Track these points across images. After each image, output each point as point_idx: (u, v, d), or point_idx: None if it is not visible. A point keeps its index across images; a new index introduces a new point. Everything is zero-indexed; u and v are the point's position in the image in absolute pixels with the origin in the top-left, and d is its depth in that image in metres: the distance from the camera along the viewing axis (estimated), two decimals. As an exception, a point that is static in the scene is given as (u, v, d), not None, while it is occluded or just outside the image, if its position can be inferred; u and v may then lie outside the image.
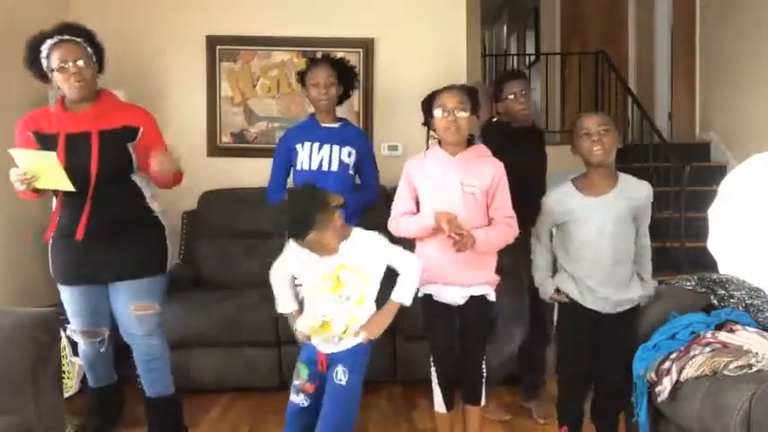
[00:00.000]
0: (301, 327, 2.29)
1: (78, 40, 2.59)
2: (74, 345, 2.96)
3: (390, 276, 2.35)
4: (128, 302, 2.68)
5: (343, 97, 3.16)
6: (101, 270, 2.65)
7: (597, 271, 2.48)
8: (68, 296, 2.76)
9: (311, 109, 3.16)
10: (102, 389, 2.94)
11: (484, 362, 2.57)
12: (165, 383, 2.83)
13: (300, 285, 2.38)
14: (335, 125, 3.09)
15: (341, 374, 2.22)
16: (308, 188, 2.28)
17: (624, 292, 2.50)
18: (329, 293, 2.22)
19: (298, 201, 2.21)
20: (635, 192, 2.50)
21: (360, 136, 3.23)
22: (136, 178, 2.70)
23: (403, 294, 2.31)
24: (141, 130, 2.68)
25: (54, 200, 2.72)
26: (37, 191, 2.56)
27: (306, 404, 2.26)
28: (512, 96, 3.12)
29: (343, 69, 3.12)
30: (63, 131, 2.59)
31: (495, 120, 3.26)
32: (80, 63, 2.55)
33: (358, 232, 2.27)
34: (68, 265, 2.68)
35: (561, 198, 2.56)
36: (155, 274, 2.73)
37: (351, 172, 3.07)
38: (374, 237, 2.28)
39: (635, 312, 2.53)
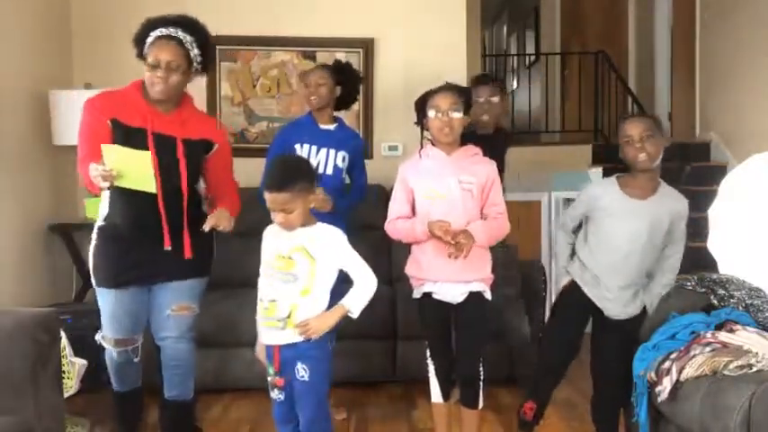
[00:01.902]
0: (258, 346, 2.36)
1: (186, 39, 2.51)
2: (74, 345, 2.94)
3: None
4: (171, 302, 2.61)
5: (347, 102, 3.23)
6: (151, 272, 2.57)
7: (616, 271, 2.52)
8: (110, 300, 2.61)
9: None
10: (127, 393, 2.82)
11: (481, 364, 2.57)
12: (186, 389, 2.75)
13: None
14: (332, 127, 3.15)
15: (302, 371, 2.22)
16: (303, 159, 2.40)
17: (629, 304, 2.56)
18: (280, 272, 2.23)
19: (288, 161, 2.39)
20: (674, 203, 2.54)
21: (354, 138, 3.30)
22: (197, 186, 2.67)
23: (352, 302, 2.24)
24: (216, 146, 2.66)
25: (106, 200, 2.60)
26: (108, 188, 2.47)
27: (282, 398, 2.28)
28: (479, 100, 3.12)
29: (344, 73, 3.18)
30: (151, 128, 2.48)
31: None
32: (173, 65, 2.46)
33: (322, 225, 2.28)
34: (119, 266, 2.56)
35: (603, 191, 2.58)
36: (201, 275, 2.70)
37: (343, 175, 3.15)
38: (337, 234, 2.27)
39: (636, 324, 2.56)
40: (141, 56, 2.53)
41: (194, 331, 2.72)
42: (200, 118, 2.71)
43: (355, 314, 2.25)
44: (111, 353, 2.71)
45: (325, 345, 2.28)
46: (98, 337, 2.75)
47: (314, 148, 3.06)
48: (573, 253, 2.69)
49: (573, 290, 2.64)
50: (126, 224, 2.54)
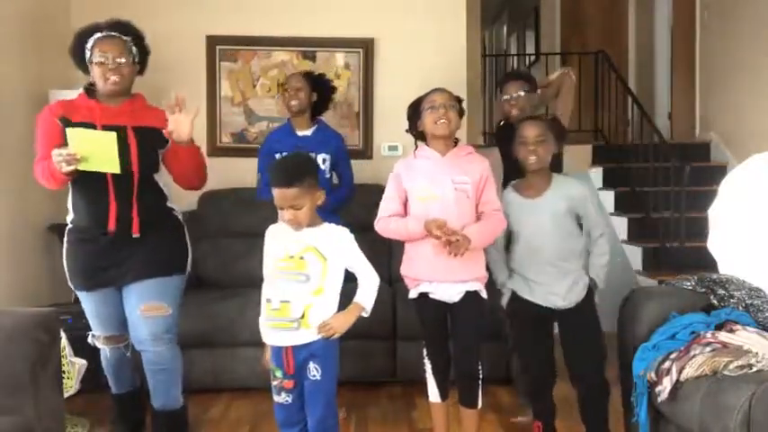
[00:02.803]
0: (266, 354, 2.35)
1: (125, 38, 2.57)
2: (74, 345, 2.94)
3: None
4: (139, 302, 2.59)
5: (320, 108, 3.36)
6: (121, 273, 2.59)
7: (539, 267, 2.59)
8: (89, 302, 2.68)
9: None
10: (125, 395, 2.86)
11: (480, 364, 2.58)
12: (172, 397, 2.69)
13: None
14: (309, 132, 3.29)
15: (314, 371, 2.23)
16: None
17: (573, 288, 2.60)
18: (291, 273, 2.23)
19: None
20: (568, 190, 2.63)
21: (335, 138, 3.38)
22: (158, 178, 2.66)
23: (365, 298, 2.28)
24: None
25: (69, 200, 2.65)
26: (69, 174, 2.45)
27: (290, 400, 2.28)
28: (506, 97, 3.15)
29: (319, 81, 3.33)
30: (99, 122, 2.52)
31: (502, 123, 3.29)
32: (120, 60, 2.52)
33: (329, 225, 2.31)
34: (88, 270, 2.61)
35: (504, 201, 2.66)
36: (169, 273, 2.65)
37: (327, 175, 3.23)
38: (345, 232, 2.30)
39: (589, 304, 2.63)
40: (83, 65, 2.59)
41: (172, 334, 2.65)
42: (154, 110, 2.70)
43: (368, 311, 2.30)
44: (104, 352, 2.77)
45: (337, 344, 2.29)
46: (90, 338, 2.77)
47: None
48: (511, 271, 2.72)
49: (518, 306, 2.66)
50: (86, 221, 2.58)
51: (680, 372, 2.15)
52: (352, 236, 2.31)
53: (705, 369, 2.09)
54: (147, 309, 2.59)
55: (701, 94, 5.82)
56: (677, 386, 2.15)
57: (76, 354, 2.99)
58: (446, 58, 4.25)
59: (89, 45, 2.55)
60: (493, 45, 12.48)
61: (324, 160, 3.22)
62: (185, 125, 2.54)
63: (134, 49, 2.59)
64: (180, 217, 2.77)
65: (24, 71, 3.64)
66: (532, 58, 9.54)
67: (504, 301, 2.70)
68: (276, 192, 2.20)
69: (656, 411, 2.31)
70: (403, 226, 2.53)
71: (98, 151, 2.41)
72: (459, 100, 2.61)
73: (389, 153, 4.25)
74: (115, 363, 2.78)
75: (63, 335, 2.98)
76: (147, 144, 2.58)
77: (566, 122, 3.06)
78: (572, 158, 6.07)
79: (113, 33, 2.55)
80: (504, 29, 12.06)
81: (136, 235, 2.56)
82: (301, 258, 2.22)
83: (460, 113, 2.59)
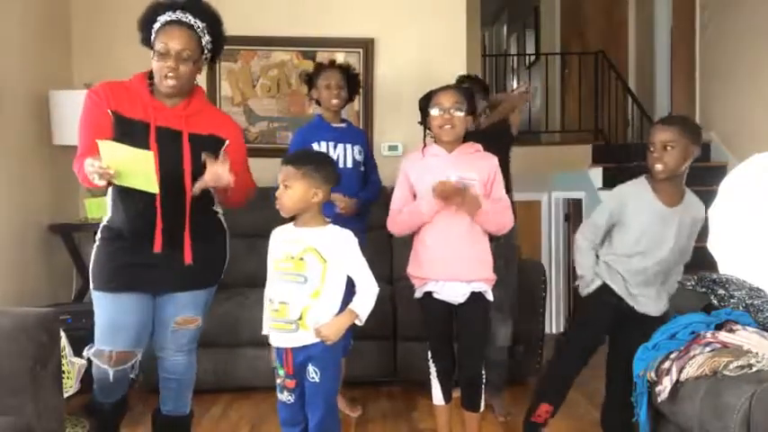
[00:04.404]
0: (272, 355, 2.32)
1: (197, 24, 2.31)
2: (74, 345, 2.91)
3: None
4: (175, 315, 2.41)
5: (346, 103, 3.30)
6: (157, 278, 2.35)
7: (644, 277, 2.49)
8: (110, 307, 2.35)
9: (311, 109, 3.24)
10: (113, 404, 2.57)
11: (483, 367, 2.58)
12: (181, 403, 2.57)
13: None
14: (343, 125, 3.27)
15: (312, 373, 2.22)
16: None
17: (658, 301, 2.52)
18: (290, 273, 2.22)
19: (314, 151, 2.67)
20: (696, 210, 2.51)
21: (363, 135, 3.41)
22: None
23: (360, 306, 2.23)
24: (227, 143, 2.43)
25: (109, 196, 2.41)
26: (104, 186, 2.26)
27: (292, 400, 2.27)
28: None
29: (350, 76, 3.26)
30: (153, 122, 2.29)
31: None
32: (183, 55, 2.26)
33: (333, 226, 2.28)
34: (121, 267, 2.33)
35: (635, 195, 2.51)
36: (208, 285, 2.48)
37: (361, 169, 3.22)
38: (348, 235, 2.28)
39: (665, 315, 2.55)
40: (147, 42, 2.33)
41: (194, 344, 2.53)
42: (212, 113, 2.50)
43: (363, 320, 2.26)
44: (105, 371, 2.38)
45: (336, 347, 2.27)
46: (88, 352, 2.42)
47: (331, 144, 3.14)
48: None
49: (601, 293, 2.54)
50: (127, 228, 2.34)
51: (680, 372, 2.15)
52: (356, 239, 2.28)
53: (705, 369, 2.10)
54: (182, 321, 2.43)
55: (701, 94, 5.82)
56: (677, 386, 2.15)
57: (76, 354, 2.99)
58: (446, 58, 4.24)
59: (156, 26, 2.28)
60: (493, 45, 12.49)
61: (359, 152, 3.21)
62: (224, 175, 2.27)
63: (206, 38, 2.34)
64: (223, 221, 2.55)
65: (24, 71, 3.64)
66: (532, 58, 9.54)
67: (592, 288, 2.57)
68: (281, 167, 2.23)
69: (656, 411, 2.31)
70: (415, 207, 2.52)
71: (133, 168, 2.17)
72: (469, 94, 2.58)
73: (389, 153, 4.25)
74: (114, 382, 2.41)
75: (63, 335, 2.97)
76: (200, 152, 2.30)
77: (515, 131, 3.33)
78: (572, 158, 6.12)
79: (183, 19, 2.28)
80: (504, 29, 12.06)
81: (188, 263, 2.34)
82: (301, 259, 2.21)
83: (470, 110, 2.55)
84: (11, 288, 3.45)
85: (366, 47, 4.30)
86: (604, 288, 2.53)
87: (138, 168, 2.18)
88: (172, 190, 2.29)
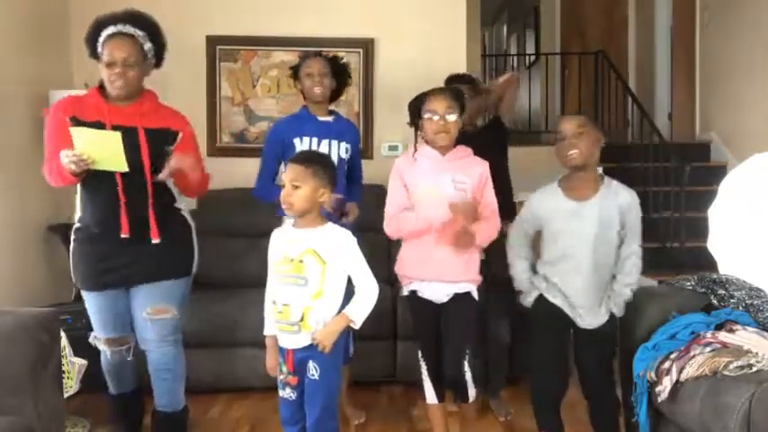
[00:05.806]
0: (269, 360, 2.35)
1: (138, 34, 2.55)
2: (74, 345, 2.94)
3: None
4: (146, 305, 2.61)
5: (336, 95, 3.14)
6: (128, 274, 2.59)
7: (577, 279, 2.48)
8: (94, 302, 2.66)
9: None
10: (125, 395, 2.84)
11: (466, 361, 2.56)
12: (175, 398, 2.73)
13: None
14: (330, 119, 3.07)
15: (312, 370, 2.23)
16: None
17: (597, 312, 2.50)
18: (290, 276, 2.22)
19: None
20: (620, 198, 2.50)
21: (353, 130, 3.22)
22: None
23: (355, 312, 2.23)
24: (181, 135, 2.66)
25: (77, 199, 2.64)
26: (79, 175, 2.45)
27: (294, 397, 2.29)
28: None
29: (336, 65, 3.09)
30: (108, 122, 2.51)
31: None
32: (129, 61, 2.50)
33: (332, 226, 2.29)
34: (96, 270, 2.60)
35: (545, 199, 2.57)
36: (177, 276, 2.67)
37: (345, 167, 3.07)
38: (347, 235, 2.28)
39: (610, 324, 2.53)
40: (95, 55, 2.56)
41: (177, 335, 2.69)
42: (164, 110, 2.70)
43: (358, 324, 2.26)
44: (105, 354, 2.73)
45: (338, 347, 2.28)
46: (91, 338, 2.75)
47: (314, 140, 2.97)
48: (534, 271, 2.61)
49: (542, 306, 2.55)
50: (95, 222, 2.56)
51: (680, 372, 2.15)
52: (354, 239, 2.28)
53: (705, 369, 2.09)
54: (153, 311, 2.61)
55: (701, 95, 5.82)
56: (677, 386, 2.15)
57: (76, 354, 2.99)
58: (446, 58, 4.24)
59: (101, 39, 2.52)
60: (493, 45, 12.50)
61: (346, 149, 3.04)
62: (188, 158, 2.58)
63: (147, 45, 2.57)
64: (188, 217, 2.77)
65: (24, 71, 3.64)
66: (532, 58, 9.54)
67: (530, 299, 2.59)
68: (289, 167, 2.24)
69: (656, 411, 2.31)
70: (415, 219, 2.51)
71: (104, 151, 2.40)
72: (460, 96, 2.58)
73: (389, 153, 4.25)
74: (115, 365, 2.75)
75: (63, 335, 2.98)
76: (158, 145, 2.56)
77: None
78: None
79: (124, 31, 2.52)
80: (504, 29, 12.07)
81: (155, 241, 2.56)
82: (300, 262, 2.21)
83: (461, 110, 2.55)
84: (11, 288, 3.45)
85: (366, 47, 4.30)
86: (543, 300, 2.54)
87: (108, 149, 2.40)
88: (134, 180, 2.50)
